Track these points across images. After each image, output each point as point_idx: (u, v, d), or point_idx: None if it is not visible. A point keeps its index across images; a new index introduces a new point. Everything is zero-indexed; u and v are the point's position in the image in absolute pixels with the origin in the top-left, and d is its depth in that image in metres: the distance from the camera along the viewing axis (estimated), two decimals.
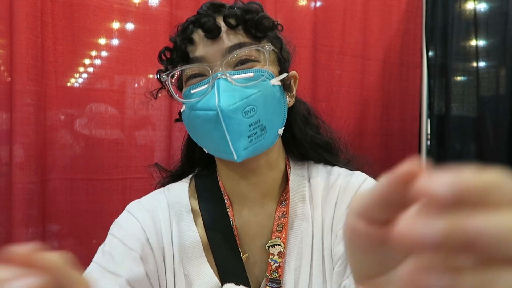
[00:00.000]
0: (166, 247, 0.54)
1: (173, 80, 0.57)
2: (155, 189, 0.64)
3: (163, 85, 0.58)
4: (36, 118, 0.94)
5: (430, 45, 1.56)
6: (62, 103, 0.99)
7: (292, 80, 0.60)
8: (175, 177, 0.65)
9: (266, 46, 0.54)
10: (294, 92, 0.61)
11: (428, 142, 1.57)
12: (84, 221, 0.95)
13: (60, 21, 1.00)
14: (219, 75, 0.52)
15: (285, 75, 0.57)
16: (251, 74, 0.53)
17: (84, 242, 0.93)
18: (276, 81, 0.55)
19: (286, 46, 0.60)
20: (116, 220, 0.57)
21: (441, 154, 1.50)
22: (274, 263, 0.54)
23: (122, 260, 0.51)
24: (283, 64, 0.58)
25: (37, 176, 0.92)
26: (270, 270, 0.54)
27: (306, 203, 0.58)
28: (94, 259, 0.53)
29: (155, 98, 0.62)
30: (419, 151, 1.57)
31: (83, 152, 0.97)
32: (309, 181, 0.61)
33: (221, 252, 0.55)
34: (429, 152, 1.56)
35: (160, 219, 0.56)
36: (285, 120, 0.57)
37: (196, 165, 0.65)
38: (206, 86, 0.53)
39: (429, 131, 1.58)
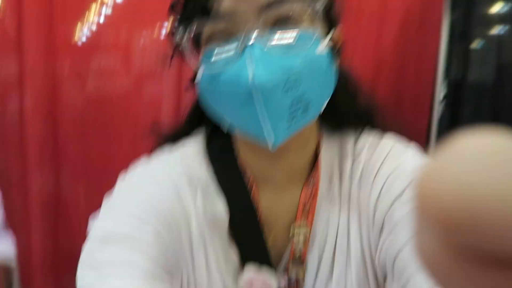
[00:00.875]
0: (193, 219, 0.46)
1: (188, 39, 0.45)
2: (152, 151, 0.54)
3: (175, 45, 0.48)
4: (45, 69, 0.94)
5: (453, 8, 1.48)
6: (70, 55, 0.99)
7: (339, 42, 0.50)
8: (174, 139, 0.55)
9: (317, 3, 0.42)
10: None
11: (441, 108, 1.54)
12: (96, 165, 0.99)
13: None
14: (253, 37, 0.40)
15: (332, 36, 0.46)
16: (294, 37, 0.41)
17: (96, 184, 0.98)
18: (325, 46, 0.44)
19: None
20: (124, 179, 0.48)
21: (454, 120, 1.48)
22: (298, 248, 0.50)
23: (149, 209, 0.42)
24: (331, 24, 0.47)
25: (48, 123, 0.95)
26: (293, 254, 0.51)
27: (335, 181, 0.51)
28: (109, 204, 0.44)
29: (169, 67, 0.51)
30: (431, 116, 1.55)
31: (92, 105, 0.98)
32: (343, 155, 0.52)
33: (244, 234, 0.49)
34: (441, 118, 1.53)
35: (184, 186, 0.47)
36: (331, 92, 0.47)
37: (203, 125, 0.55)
38: (233, 51, 0.41)
39: (443, 97, 1.54)
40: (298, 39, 0.41)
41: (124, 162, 0.54)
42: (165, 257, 0.41)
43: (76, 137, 1.00)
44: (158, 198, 0.44)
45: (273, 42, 0.41)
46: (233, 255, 0.48)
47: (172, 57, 0.50)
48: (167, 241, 0.42)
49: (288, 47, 0.41)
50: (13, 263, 1.12)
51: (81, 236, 0.43)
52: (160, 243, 0.41)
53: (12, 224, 1.08)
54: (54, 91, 0.97)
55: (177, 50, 0.48)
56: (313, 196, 0.51)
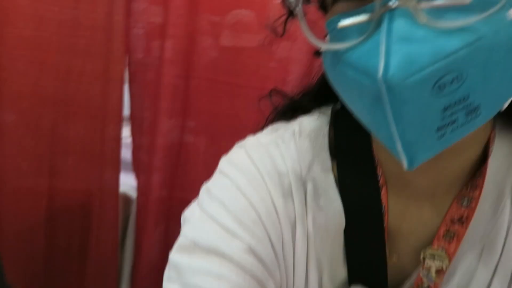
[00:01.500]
0: (298, 225, 0.39)
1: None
2: (267, 123, 0.47)
3: (289, 11, 0.39)
4: (187, 18, 0.98)
5: None
6: (209, 7, 1.01)
7: None
8: (293, 110, 0.46)
9: None
10: None
11: None
12: (219, 122, 1.01)
13: None
14: (394, 2, 0.27)
15: None
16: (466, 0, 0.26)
17: (216, 142, 1.00)
18: None
19: None
20: (232, 160, 0.42)
21: None
22: (426, 281, 0.39)
23: (243, 219, 0.37)
24: None
25: (183, 71, 0.99)
26: (417, 286, 0.40)
27: (506, 206, 0.37)
28: (202, 203, 0.39)
29: (281, 36, 0.43)
30: None
31: (225, 55, 0.99)
32: None
33: (362, 249, 0.40)
34: None
35: (291, 183, 0.39)
36: None
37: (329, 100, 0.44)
38: (366, 18, 0.29)
39: None
40: (473, 2, 0.26)
41: (245, 124, 0.50)
42: (256, 274, 0.36)
43: (204, 91, 1.03)
44: (257, 204, 0.38)
45: (430, 7, 0.26)
46: (341, 273, 0.39)
47: (286, 21, 0.41)
48: (261, 254, 0.37)
49: (455, 15, 0.26)
50: (133, 195, 1.22)
51: (194, 191, 0.42)
52: (251, 260, 0.36)
53: (136, 168, 1.18)
54: (192, 43, 1.00)
55: (292, 12, 0.38)
56: (467, 216, 0.37)
